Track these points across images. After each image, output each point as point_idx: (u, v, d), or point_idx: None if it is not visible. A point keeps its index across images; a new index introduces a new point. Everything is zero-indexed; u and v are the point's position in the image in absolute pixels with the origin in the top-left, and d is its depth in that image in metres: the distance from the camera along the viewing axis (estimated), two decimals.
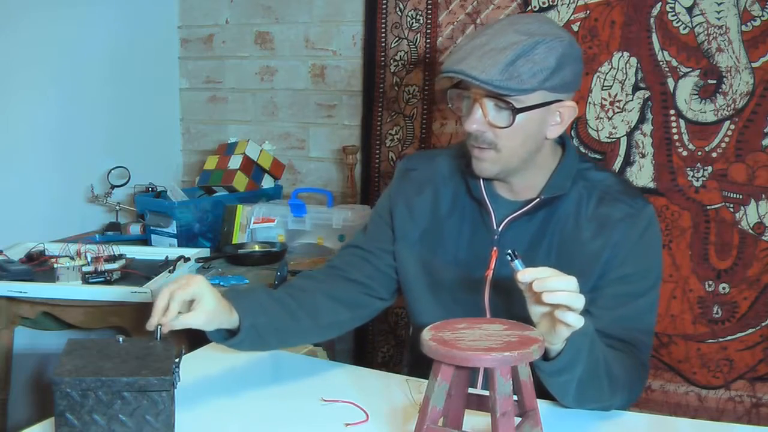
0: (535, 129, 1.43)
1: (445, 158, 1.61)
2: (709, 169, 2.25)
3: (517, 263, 1.20)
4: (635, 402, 1.48)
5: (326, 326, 1.57)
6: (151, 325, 1.35)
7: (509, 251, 1.21)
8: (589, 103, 2.36)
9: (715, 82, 2.22)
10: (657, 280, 1.49)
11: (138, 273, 2.17)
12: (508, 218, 1.49)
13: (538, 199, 1.47)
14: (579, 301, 1.17)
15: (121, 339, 1.33)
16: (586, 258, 1.44)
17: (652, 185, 2.31)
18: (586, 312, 1.32)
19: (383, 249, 1.61)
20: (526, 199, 1.50)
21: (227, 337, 1.44)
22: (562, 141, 1.54)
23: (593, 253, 1.44)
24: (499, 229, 1.49)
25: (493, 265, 1.49)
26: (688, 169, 2.27)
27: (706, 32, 2.21)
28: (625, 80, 2.32)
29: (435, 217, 1.57)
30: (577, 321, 1.18)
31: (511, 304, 1.42)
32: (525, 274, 1.18)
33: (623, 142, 2.34)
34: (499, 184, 1.52)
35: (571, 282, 1.18)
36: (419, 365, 1.50)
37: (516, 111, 1.39)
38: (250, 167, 2.70)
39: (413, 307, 1.61)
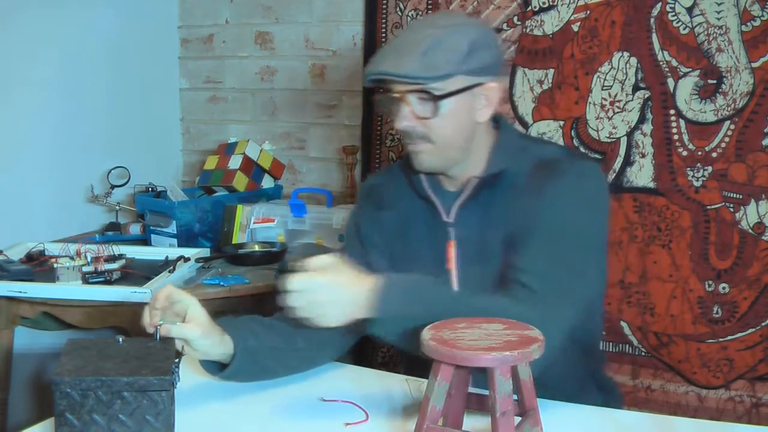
0: (464, 115, 1.47)
1: (399, 170, 1.64)
2: (709, 169, 2.25)
3: None
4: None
5: (318, 345, 1.54)
6: (146, 322, 1.37)
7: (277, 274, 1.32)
8: (589, 103, 2.36)
9: (715, 82, 2.22)
10: (597, 234, 1.48)
11: (138, 273, 2.17)
12: (455, 207, 1.52)
13: (477, 180, 1.50)
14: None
15: (121, 339, 1.33)
16: (527, 220, 1.45)
17: (652, 185, 2.31)
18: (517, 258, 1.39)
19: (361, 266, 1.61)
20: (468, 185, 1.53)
21: (222, 368, 1.45)
22: (497, 123, 1.57)
23: (531, 211, 1.44)
24: (450, 219, 1.53)
25: (451, 256, 1.52)
26: (688, 169, 2.27)
27: (706, 32, 2.21)
28: (625, 80, 2.32)
29: (399, 227, 1.60)
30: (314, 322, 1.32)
31: (480, 292, 1.43)
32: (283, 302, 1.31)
33: (623, 142, 2.34)
34: (443, 178, 1.56)
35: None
36: (415, 366, 1.51)
37: (437, 98, 1.43)
38: (250, 167, 2.70)
39: None
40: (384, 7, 2.62)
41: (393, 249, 1.59)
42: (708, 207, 2.26)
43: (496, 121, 1.56)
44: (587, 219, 1.46)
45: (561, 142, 2.40)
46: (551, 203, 1.44)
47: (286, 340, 1.51)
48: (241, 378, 1.48)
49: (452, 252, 1.52)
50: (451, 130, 1.47)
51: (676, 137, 2.28)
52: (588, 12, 2.34)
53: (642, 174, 2.32)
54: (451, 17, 1.54)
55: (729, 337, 2.26)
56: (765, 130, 2.19)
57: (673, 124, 2.28)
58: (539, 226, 1.43)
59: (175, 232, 2.46)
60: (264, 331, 1.50)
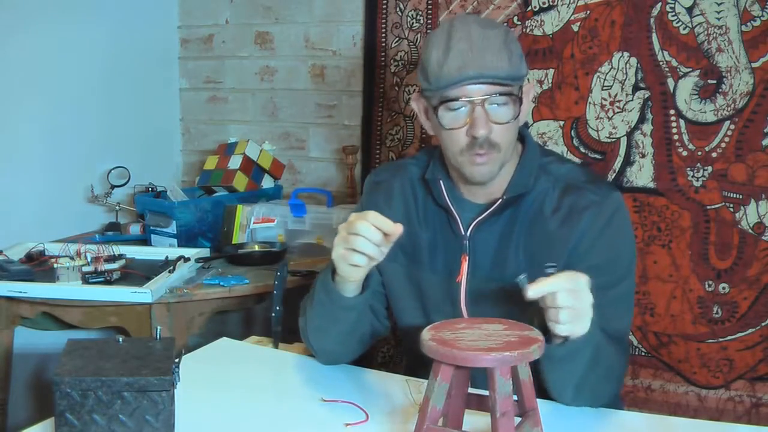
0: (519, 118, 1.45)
1: (412, 167, 1.60)
2: (709, 169, 2.25)
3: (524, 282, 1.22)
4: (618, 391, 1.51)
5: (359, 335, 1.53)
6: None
7: (520, 277, 1.21)
8: (589, 103, 2.36)
9: (715, 82, 2.22)
10: (629, 268, 1.48)
11: (138, 273, 2.16)
12: (475, 222, 1.48)
13: (501, 200, 1.46)
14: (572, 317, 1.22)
15: (121, 339, 1.33)
16: (553, 250, 1.43)
17: (652, 185, 2.31)
18: None
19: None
20: (490, 199, 1.49)
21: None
22: (521, 135, 1.52)
23: (560, 243, 1.43)
24: (467, 233, 1.49)
25: (463, 271, 1.48)
26: (688, 169, 2.27)
27: (706, 32, 2.21)
28: (625, 80, 2.32)
29: (409, 227, 1.53)
30: (567, 329, 1.23)
31: (489, 309, 1.41)
32: (535, 289, 1.20)
33: (623, 142, 2.34)
34: (464, 187, 1.51)
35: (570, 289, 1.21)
36: (416, 367, 1.51)
37: (520, 101, 1.40)
38: (250, 167, 2.70)
39: (399, 316, 1.61)
40: (384, 7, 2.62)
41: (403, 247, 1.53)
42: (708, 207, 2.26)
43: (521, 133, 1.51)
44: (632, 258, 1.51)
45: (561, 142, 2.40)
46: (600, 243, 1.43)
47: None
48: (361, 311, 1.47)
49: (465, 266, 1.48)
50: (513, 134, 1.43)
51: (675, 137, 2.28)
52: (588, 12, 2.34)
53: (642, 174, 2.32)
54: (481, 17, 1.48)
55: (729, 337, 2.26)
56: (765, 130, 2.19)
57: (673, 124, 2.28)
58: (596, 269, 1.37)
59: (175, 232, 2.46)
60: None
